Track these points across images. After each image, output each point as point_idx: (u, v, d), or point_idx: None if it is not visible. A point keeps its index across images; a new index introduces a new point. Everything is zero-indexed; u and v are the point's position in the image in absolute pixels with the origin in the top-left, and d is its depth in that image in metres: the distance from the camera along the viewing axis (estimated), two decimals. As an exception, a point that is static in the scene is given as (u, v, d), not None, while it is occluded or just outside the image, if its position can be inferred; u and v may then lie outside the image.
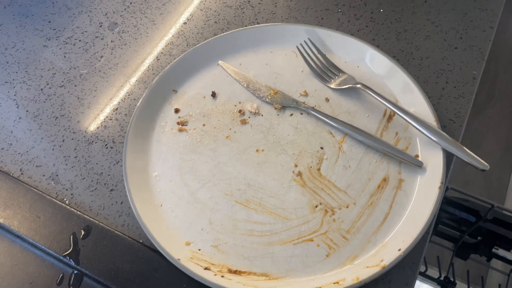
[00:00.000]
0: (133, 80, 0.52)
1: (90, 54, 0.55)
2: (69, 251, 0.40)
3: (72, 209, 0.42)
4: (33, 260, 0.40)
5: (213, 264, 0.39)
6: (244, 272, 0.38)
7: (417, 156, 0.43)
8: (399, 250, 0.37)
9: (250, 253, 0.39)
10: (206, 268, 0.38)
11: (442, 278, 0.81)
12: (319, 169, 0.43)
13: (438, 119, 0.44)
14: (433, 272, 0.83)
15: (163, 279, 0.38)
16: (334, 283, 0.36)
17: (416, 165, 0.42)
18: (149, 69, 0.53)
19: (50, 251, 0.40)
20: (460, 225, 0.79)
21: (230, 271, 0.38)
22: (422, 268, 0.82)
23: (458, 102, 0.48)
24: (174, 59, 0.52)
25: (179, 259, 0.38)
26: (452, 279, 0.80)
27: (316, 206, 0.41)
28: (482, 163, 0.40)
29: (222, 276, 0.37)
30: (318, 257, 0.39)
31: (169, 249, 0.38)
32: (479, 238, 0.81)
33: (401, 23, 0.54)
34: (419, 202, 0.40)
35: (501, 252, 0.81)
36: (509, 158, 1.52)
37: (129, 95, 0.51)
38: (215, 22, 0.56)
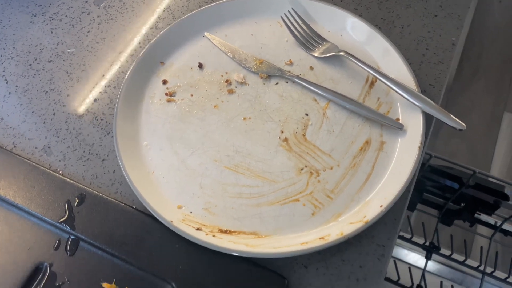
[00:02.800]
0: (121, 54, 0.53)
1: (77, 30, 0.55)
2: (65, 217, 0.41)
3: (65, 178, 0.43)
4: (30, 227, 0.41)
5: (204, 225, 0.40)
6: (234, 232, 0.40)
7: (398, 119, 0.45)
8: (381, 206, 0.39)
9: (239, 214, 0.41)
10: (197, 229, 0.40)
11: (427, 244, 0.84)
12: (304, 135, 0.45)
13: (418, 83, 0.46)
14: (419, 240, 0.86)
15: (156, 241, 0.40)
16: (320, 238, 0.38)
17: (397, 127, 0.44)
18: (136, 43, 0.54)
19: (46, 218, 0.41)
20: (444, 192, 0.82)
21: (221, 231, 0.40)
22: (408, 235, 0.85)
23: (438, 68, 0.50)
24: (161, 32, 0.52)
25: (171, 221, 0.39)
26: (436, 244, 0.83)
27: (301, 169, 0.43)
28: (459, 123, 0.42)
29: (214, 236, 0.39)
30: (304, 216, 0.41)
31: (161, 212, 0.40)
32: (462, 204, 0.84)
33: (383, -7, 0.55)
34: (400, 162, 0.42)
35: (484, 217, 0.84)
36: (493, 131, 1.56)
37: (117, 68, 0.52)
38: (200, -5, 0.57)
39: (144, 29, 0.54)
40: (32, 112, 0.49)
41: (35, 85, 0.51)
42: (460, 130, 0.42)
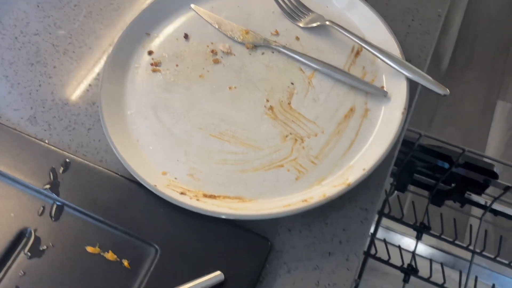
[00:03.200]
0: (107, 26, 0.53)
1: (63, 3, 0.55)
2: (49, 184, 0.41)
3: (50, 146, 0.43)
4: (15, 194, 0.41)
5: (188, 190, 0.40)
6: (218, 196, 0.40)
7: (382, 87, 0.45)
8: (364, 169, 0.39)
9: (224, 180, 0.41)
10: (181, 193, 0.40)
11: (418, 224, 0.84)
12: (289, 103, 0.45)
13: (403, 52, 0.46)
14: (409, 220, 0.86)
15: (140, 205, 0.40)
16: (303, 201, 0.38)
17: (381, 95, 0.44)
18: (122, 14, 0.53)
19: (30, 184, 0.41)
20: (435, 172, 0.82)
21: (205, 195, 0.40)
22: (399, 215, 0.85)
23: (424, 39, 0.50)
24: (147, 3, 0.52)
25: (155, 185, 0.39)
26: (427, 224, 0.84)
27: (286, 136, 0.43)
28: (442, 88, 0.42)
29: (198, 200, 0.39)
30: (288, 181, 0.41)
31: (146, 178, 0.40)
32: (452, 185, 0.84)
33: (370, -34, 0.55)
34: (384, 129, 0.42)
35: (474, 197, 0.84)
36: (486, 119, 1.56)
37: (104, 41, 0.52)
38: (188, -31, 0.57)
39: (130, 3, 0.54)
40: (18, 83, 0.49)
41: (21, 57, 0.51)
42: (444, 95, 0.42)
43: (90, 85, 0.48)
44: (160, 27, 0.51)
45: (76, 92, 0.48)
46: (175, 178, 0.42)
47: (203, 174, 0.42)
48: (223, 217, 0.38)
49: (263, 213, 0.38)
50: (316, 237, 0.39)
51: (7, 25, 0.54)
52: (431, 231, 0.84)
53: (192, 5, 0.52)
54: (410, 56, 0.48)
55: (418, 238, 0.84)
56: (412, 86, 0.44)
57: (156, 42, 0.50)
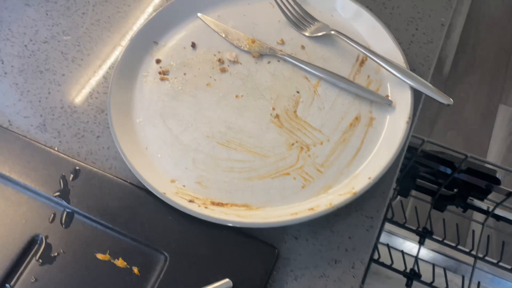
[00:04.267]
0: (115, 34, 0.53)
1: (72, 11, 0.56)
2: (60, 191, 0.42)
3: (60, 154, 0.44)
4: (26, 201, 0.42)
5: (197, 198, 0.41)
6: (226, 204, 0.41)
7: (387, 96, 0.46)
8: (369, 178, 0.40)
9: (231, 187, 0.42)
10: (190, 201, 0.40)
11: (420, 229, 0.85)
12: (295, 111, 0.46)
13: (407, 61, 0.46)
14: (412, 225, 0.87)
15: (149, 213, 0.41)
16: (309, 209, 0.39)
17: (386, 103, 0.45)
18: (130, 23, 0.54)
19: (41, 192, 0.42)
20: (437, 178, 0.83)
21: (213, 203, 0.41)
22: (402, 220, 0.86)
23: (427, 48, 0.50)
24: (154, 12, 0.53)
25: (164, 193, 0.40)
26: (430, 229, 0.84)
27: (292, 144, 0.44)
28: (446, 98, 0.42)
29: (206, 207, 0.40)
30: (295, 189, 0.41)
31: (155, 185, 0.41)
32: (455, 190, 0.85)
33: (374, -25, 0.56)
34: (389, 137, 0.43)
35: (476, 202, 0.85)
36: (488, 123, 1.57)
37: (111, 48, 0.52)
38: (194, -22, 0.58)
39: (138, 11, 0.55)
40: (28, 91, 0.50)
41: (31, 65, 0.52)
42: (448, 105, 0.43)
43: (98, 92, 0.49)
44: (168, 36, 0.51)
45: (84, 99, 0.49)
46: (184, 186, 0.42)
47: (210, 181, 0.42)
48: (231, 225, 0.38)
49: (270, 221, 0.38)
50: (323, 245, 0.40)
51: (16, 32, 0.54)
52: (434, 236, 0.84)
53: (199, 14, 0.53)
54: (413, 64, 0.49)
55: (421, 243, 0.84)
56: (417, 94, 0.45)
57: (164, 50, 0.50)
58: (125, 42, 0.53)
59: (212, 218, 0.39)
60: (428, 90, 0.43)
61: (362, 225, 0.41)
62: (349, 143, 0.44)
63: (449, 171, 0.80)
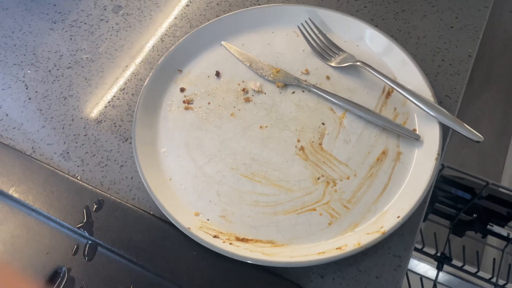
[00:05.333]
0: (139, 61, 0.53)
1: (95, 37, 0.56)
2: (83, 223, 0.42)
3: (84, 184, 0.44)
4: (49, 232, 0.42)
5: (221, 233, 0.41)
6: (251, 240, 0.40)
7: (414, 130, 0.45)
8: (398, 217, 0.39)
9: (256, 222, 0.41)
10: (215, 236, 0.40)
11: (438, 254, 0.83)
12: (320, 144, 0.45)
13: (434, 94, 0.46)
14: (431, 250, 0.85)
15: (173, 247, 0.40)
16: (337, 248, 0.38)
17: (413, 138, 0.44)
18: (154, 50, 0.54)
19: (64, 223, 0.42)
20: (456, 203, 0.82)
21: (237, 239, 0.40)
22: (420, 245, 0.84)
23: (454, 79, 0.50)
24: (178, 40, 0.53)
25: (189, 228, 0.40)
26: (448, 255, 0.83)
27: (318, 178, 0.43)
28: (477, 135, 0.42)
29: (231, 244, 0.39)
30: (321, 225, 0.41)
31: (179, 219, 0.40)
32: (474, 215, 0.83)
33: (399, 4, 0.56)
34: (417, 173, 0.42)
35: (496, 228, 0.83)
36: (504, 141, 1.55)
37: (135, 75, 0.52)
38: (217, 4, 0.58)
39: (162, 37, 0.55)
40: (51, 118, 0.50)
41: (54, 91, 0.52)
42: (477, 142, 0.42)
43: (122, 120, 0.49)
44: (192, 64, 0.51)
45: (108, 127, 0.49)
46: (208, 220, 0.42)
47: (235, 215, 0.42)
48: (256, 263, 0.38)
49: (296, 260, 0.38)
50: (350, 285, 0.39)
51: (40, 57, 0.55)
52: (453, 262, 0.83)
53: (223, 42, 0.52)
54: (440, 97, 0.48)
55: (439, 269, 0.83)
56: (445, 127, 0.44)
57: (188, 79, 0.50)
58: (149, 69, 0.53)
59: (237, 255, 0.38)
60: (458, 125, 0.42)
61: (390, 264, 0.40)
62: (376, 179, 0.43)
63: (468, 196, 0.79)
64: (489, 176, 0.76)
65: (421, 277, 0.78)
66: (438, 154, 0.42)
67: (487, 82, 1.68)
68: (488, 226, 0.82)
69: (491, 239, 0.92)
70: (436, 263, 0.84)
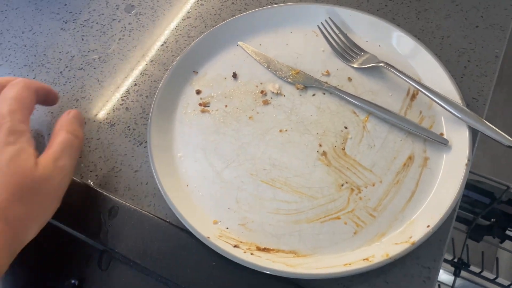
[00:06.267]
0: (152, 62, 0.52)
1: (108, 37, 0.54)
2: (97, 231, 0.40)
3: (97, 189, 0.42)
4: (61, 241, 0.40)
5: (241, 242, 0.39)
6: (272, 250, 0.38)
7: (442, 134, 0.43)
8: (428, 226, 0.37)
9: (277, 231, 0.39)
10: (235, 246, 0.38)
11: (456, 260, 0.81)
12: (343, 149, 0.43)
13: (462, 97, 0.44)
14: (447, 255, 0.83)
15: (192, 257, 0.38)
16: (364, 259, 0.36)
17: (441, 143, 0.42)
18: (168, 51, 0.52)
19: (77, 232, 0.40)
20: (474, 207, 0.80)
21: (258, 248, 0.38)
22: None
23: (481, 81, 0.48)
24: (193, 40, 0.51)
25: (208, 237, 0.38)
26: (466, 261, 0.80)
27: (342, 185, 0.41)
28: (509, 139, 0.40)
29: (252, 254, 0.38)
30: (346, 235, 0.39)
31: (198, 228, 0.38)
32: (492, 220, 0.81)
33: (421, 2, 0.54)
34: (446, 180, 0.40)
35: (515, 233, 0.81)
36: (516, 143, 1.52)
37: (149, 77, 0.51)
38: (232, 3, 0.56)
39: (176, 38, 0.53)
40: (63, 120, 0.48)
41: (66, 93, 0.50)
42: (510, 147, 0.40)
43: (136, 123, 0.47)
44: (208, 65, 0.50)
45: (122, 131, 0.47)
46: (227, 228, 0.40)
47: (255, 224, 0.40)
48: (280, 275, 0.36)
49: (322, 272, 0.36)
50: (377, 298, 0.37)
51: (51, 58, 0.53)
52: (470, 268, 0.81)
53: (240, 43, 0.51)
54: (467, 99, 0.46)
55: (456, 274, 0.80)
56: (473, 130, 0.42)
57: (204, 80, 0.49)
58: (163, 70, 0.51)
59: (259, 266, 0.36)
60: (489, 130, 0.41)
61: (419, 275, 0.38)
62: (403, 185, 0.41)
63: (487, 200, 0.77)
64: (502, 178, 0.74)
65: (439, 284, 0.76)
66: (468, 160, 0.40)
67: (498, 82, 1.65)
68: (507, 231, 0.80)
69: (509, 244, 0.89)
70: (453, 268, 0.81)
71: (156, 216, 0.41)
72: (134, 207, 0.41)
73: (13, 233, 0.33)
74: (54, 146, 0.38)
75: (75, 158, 0.40)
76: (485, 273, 0.81)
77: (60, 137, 0.39)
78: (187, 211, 0.40)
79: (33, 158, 0.35)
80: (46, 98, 0.44)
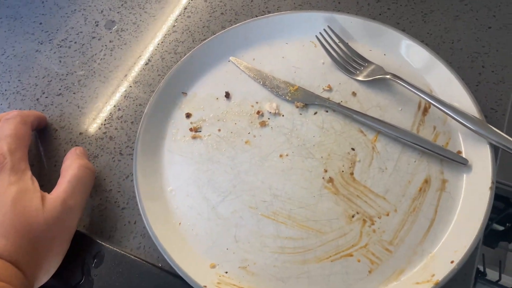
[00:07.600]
0: (137, 83, 0.47)
1: (87, 57, 0.50)
2: (81, 282, 0.36)
3: (80, 230, 0.38)
4: (42, 294, 0.36)
5: (243, 289, 0.35)
6: (278, 296, 0.34)
7: (459, 152, 0.39)
8: (452, 262, 0.33)
9: (283, 274, 0.35)
10: (236, 295, 0.34)
11: (471, 269, 0.77)
12: (352, 173, 0.39)
13: (480, 109, 0.39)
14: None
15: (188, 308, 0.34)
16: (382, 304, 0.32)
17: (460, 162, 0.38)
18: (153, 70, 0.48)
19: (56, 285, 0.36)
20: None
21: (263, 296, 0.34)
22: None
23: (498, 89, 0.43)
24: (181, 57, 0.47)
25: (205, 286, 0.33)
26: (482, 270, 0.76)
27: (352, 216, 0.37)
28: (538, 158, 0.35)
29: (255, 303, 0.33)
30: (360, 274, 0.35)
31: (192, 274, 0.34)
32: (507, 225, 0.77)
33: (427, 4, 0.49)
34: (468, 205, 0.36)
35: (531, 238, 0.77)
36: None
37: (133, 100, 0.46)
38: (222, 13, 0.51)
39: (161, 55, 0.49)
40: (42, 154, 0.44)
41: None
42: (538, 165, 0.36)
43: (122, 154, 0.43)
44: (198, 85, 0.45)
45: (106, 163, 0.43)
46: (226, 272, 0.36)
47: (258, 266, 0.36)
48: (289, 327, 0.32)
49: (336, 322, 0.31)
50: None
51: (26, 84, 0.49)
52: (487, 277, 0.77)
53: (231, 58, 0.46)
54: (484, 110, 0.42)
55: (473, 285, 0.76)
56: (494, 147, 0.38)
57: (194, 102, 0.44)
58: (149, 93, 0.46)
59: (265, 318, 0.32)
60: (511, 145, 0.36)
61: (444, 317, 0.33)
62: (420, 213, 0.37)
63: (501, 205, 0.73)
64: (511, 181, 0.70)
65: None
66: (492, 182, 0.36)
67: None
68: (523, 237, 0.76)
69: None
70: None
71: (146, 262, 0.36)
72: (122, 252, 0.37)
73: (25, 278, 0.31)
74: (63, 184, 0.36)
75: (87, 192, 0.38)
76: (504, 281, 0.77)
77: (70, 172, 0.37)
78: (181, 255, 0.36)
79: (39, 198, 0.34)
80: (38, 125, 0.44)
